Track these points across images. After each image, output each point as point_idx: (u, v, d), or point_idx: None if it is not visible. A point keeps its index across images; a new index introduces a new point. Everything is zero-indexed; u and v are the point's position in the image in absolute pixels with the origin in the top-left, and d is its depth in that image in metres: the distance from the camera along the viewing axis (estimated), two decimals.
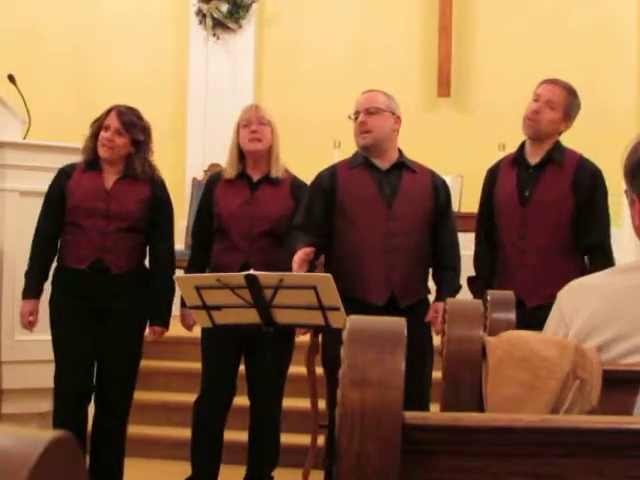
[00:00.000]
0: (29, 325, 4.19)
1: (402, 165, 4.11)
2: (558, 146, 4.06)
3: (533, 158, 4.06)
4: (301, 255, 3.78)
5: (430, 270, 4.19)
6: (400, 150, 4.15)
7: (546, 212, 3.98)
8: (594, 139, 7.29)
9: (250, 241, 4.15)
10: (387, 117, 4.08)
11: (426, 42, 7.78)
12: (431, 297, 4.16)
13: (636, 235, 1.90)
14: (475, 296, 3.94)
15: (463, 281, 4.18)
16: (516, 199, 4.03)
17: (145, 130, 4.16)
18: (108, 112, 4.16)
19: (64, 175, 4.20)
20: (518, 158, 4.11)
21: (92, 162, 4.16)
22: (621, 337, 1.85)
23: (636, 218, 1.87)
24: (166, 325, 4.23)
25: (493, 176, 4.21)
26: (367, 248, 3.97)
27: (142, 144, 4.14)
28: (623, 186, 1.90)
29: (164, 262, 4.23)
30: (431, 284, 4.20)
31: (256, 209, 4.16)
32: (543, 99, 4.04)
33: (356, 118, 4.07)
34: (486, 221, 4.17)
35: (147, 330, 4.23)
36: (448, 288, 4.04)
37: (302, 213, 4.08)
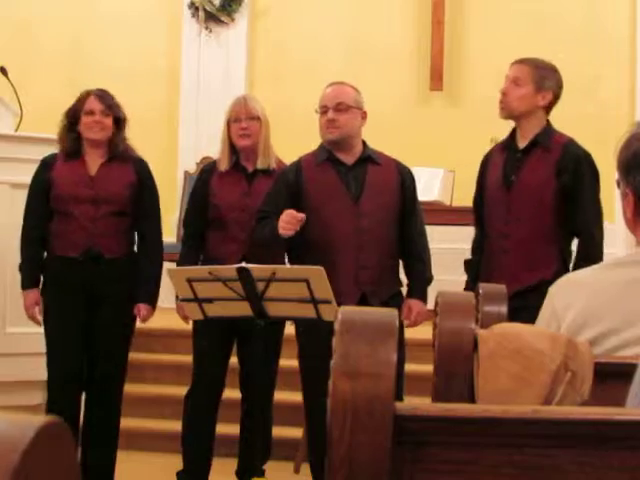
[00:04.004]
0: (36, 317, 4.15)
1: (367, 158, 4.05)
2: (546, 129, 4.00)
3: (522, 142, 4.01)
4: (294, 213, 3.71)
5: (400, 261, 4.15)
6: (364, 142, 4.09)
7: (529, 197, 3.91)
8: (587, 133, 7.30)
9: (249, 233, 4.13)
10: (356, 114, 4.02)
11: (419, 36, 7.78)
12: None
13: (627, 228, 1.91)
14: (468, 277, 4.06)
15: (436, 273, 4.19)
16: (502, 184, 3.98)
17: (122, 108, 4.22)
18: (84, 99, 4.18)
19: (46, 166, 4.19)
20: (507, 143, 4.07)
21: (73, 152, 4.16)
22: (612, 331, 1.86)
23: (627, 211, 1.88)
24: (153, 304, 4.21)
25: (485, 163, 4.17)
26: (336, 248, 3.91)
27: (122, 122, 4.19)
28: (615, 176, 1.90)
29: (152, 245, 4.23)
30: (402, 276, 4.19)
31: (255, 201, 4.13)
32: (509, 79, 4.04)
33: (323, 112, 4.00)
34: (479, 208, 4.14)
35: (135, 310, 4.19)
36: (420, 283, 4.07)
37: (268, 202, 3.98)
